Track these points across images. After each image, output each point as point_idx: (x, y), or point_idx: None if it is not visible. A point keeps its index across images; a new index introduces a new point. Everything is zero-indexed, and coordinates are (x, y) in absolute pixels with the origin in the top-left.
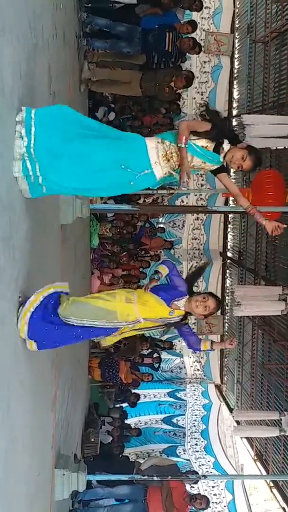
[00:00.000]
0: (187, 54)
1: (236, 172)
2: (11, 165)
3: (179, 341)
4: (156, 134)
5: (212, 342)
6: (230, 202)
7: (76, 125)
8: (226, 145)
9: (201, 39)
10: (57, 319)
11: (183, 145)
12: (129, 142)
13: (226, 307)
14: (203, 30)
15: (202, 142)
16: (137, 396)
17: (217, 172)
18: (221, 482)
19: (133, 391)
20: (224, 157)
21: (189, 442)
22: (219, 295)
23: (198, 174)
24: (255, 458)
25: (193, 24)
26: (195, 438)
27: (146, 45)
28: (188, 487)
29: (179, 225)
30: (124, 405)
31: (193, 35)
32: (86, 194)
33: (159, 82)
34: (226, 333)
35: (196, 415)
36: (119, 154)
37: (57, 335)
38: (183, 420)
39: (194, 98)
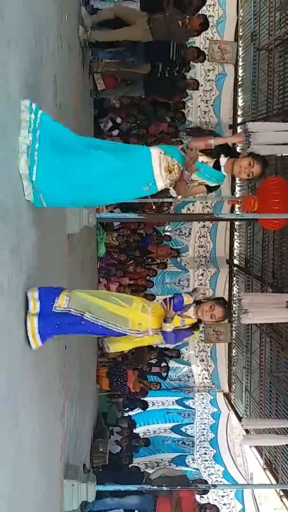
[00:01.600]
0: (191, 62)
1: (241, 180)
2: (18, 175)
3: (186, 349)
4: (159, 145)
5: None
6: (236, 209)
7: (78, 140)
8: (222, 159)
9: (205, 48)
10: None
11: (188, 174)
12: (133, 155)
13: (234, 315)
14: (207, 38)
15: (202, 158)
16: (146, 403)
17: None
18: (231, 491)
19: (141, 399)
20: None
21: (198, 451)
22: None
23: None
24: (265, 467)
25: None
26: (204, 447)
27: (150, 54)
28: (197, 497)
29: (185, 233)
30: (133, 413)
31: (197, 43)
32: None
33: (169, 18)
34: (233, 341)
35: (204, 423)
36: (123, 167)
37: (67, 325)
38: (191, 428)
39: (199, 106)
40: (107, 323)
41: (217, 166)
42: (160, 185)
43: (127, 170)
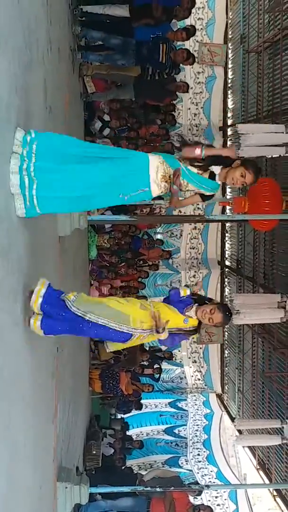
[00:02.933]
0: (181, 65)
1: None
2: (8, 179)
3: (179, 351)
4: (161, 153)
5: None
6: (227, 211)
7: (78, 144)
8: (216, 169)
9: (195, 50)
10: (70, 314)
11: (176, 188)
12: (132, 161)
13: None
14: (197, 41)
15: (194, 169)
16: (140, 403)
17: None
18: (224, 492)
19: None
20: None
21: (191, 452)
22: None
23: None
24: (258, 467)
25: (187, 31)
26: (197, 448)
27: (140, 57)
28: (191, 498)
29: (176, 235)
30: (126, 415)
31: (187, 46)
32: (79, 209)
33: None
34: (226, 341)
35: (197, 425)
36: (120, 169)
37: (71, 326)
38: (185, 430)
39: (189, 109)
40: (108, 322)
41: (212, 176)
42: (155, 192)
43: (124, 175)
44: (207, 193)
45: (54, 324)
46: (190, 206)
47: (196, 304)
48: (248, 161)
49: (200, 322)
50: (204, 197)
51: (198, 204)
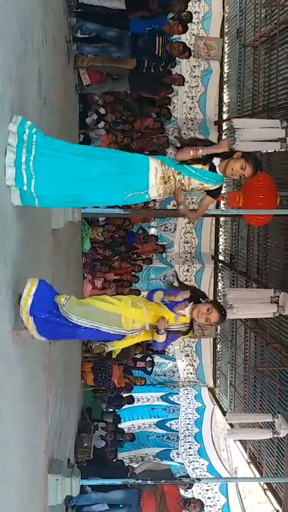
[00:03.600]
0: (177, 58)
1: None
2: (2, 172)
3: (171, 344)
4: (156, 156)
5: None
6: (221, 205)
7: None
8: (216, 161)
9: (191, 44)
10: (62, 319)
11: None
12: (132, 161)
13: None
14: (193, 34)
15: (196, 166)
16: (132, 398)
17: (209, 192)
18: (215, 485)
19: (126, 394)
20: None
21: (183, 445)
22: (211, 298)
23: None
24: (249, 460)
25: (183, 24)
26: (189, 442)
27: (136, 49)
28: (182, 491)
29: (170, 229)
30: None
31: (183, 39)
32: (77, 205)
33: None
34: (218, 336)
35: (189, 418)
36: (120, 168)
37: (64, 332)
38: (176, 424)
39: (185, 103)
40: (100, 325)
41: (213, 168)
42: (153, 195)
43: (125, 172)
44: (213, 187)
45: (47, 327)
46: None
47: (191, 303)
48: (249, 154)
49: (191, 320)
50: (211, 194)
51: (192, 198)
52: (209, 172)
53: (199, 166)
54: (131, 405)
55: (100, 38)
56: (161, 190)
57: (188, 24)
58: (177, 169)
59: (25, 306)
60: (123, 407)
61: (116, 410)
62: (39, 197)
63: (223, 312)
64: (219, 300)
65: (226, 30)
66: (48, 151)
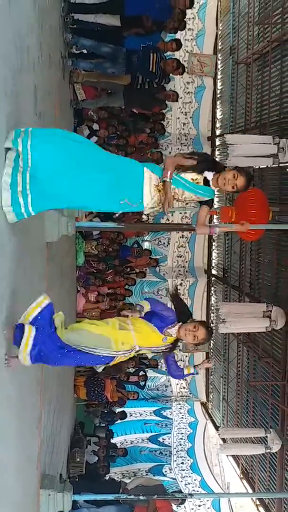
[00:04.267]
0: (171, 75)
1: (220, 191)
2: None
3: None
4: (145, 164)
5: (194, 366)
6: (215, 220)
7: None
8: (209, 175)
9: (185, 60)
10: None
11: (168, 179)
12: (128, 168)
13: (211, 324)
14: (187, 51)
15: (192, 175)
16: (124, 414)
17: (203, 202)
18: (208, 500)
19: (119, 409)
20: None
21: (175, 460)
22: (204, 312)
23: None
24: (241, 476)
25: (178, 42)
26: (181, 457)
27: (130, 65)
28: (174, 506)
29: (164, 243)
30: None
31: (177, 56)
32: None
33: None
34: (211, 350)
35: (182, 433)
36: (117, 180)
37: (61, 359)
38: (169, 438)
39: (178, 118)
40: (89, 349)
41: (206, 182)
42: (146, 203)
43: (120, 181)
44: (205, 199)
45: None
46: (178, 214)
47: (180, 323)
48: (241, 167)
49: (177, 339)
50: (206, 203)
51: (185, 213)
52: (201, 186)
53: (193, 176)
54: (124, 420)
55: (95, 54)
56: (155, 198)
57: (182, 42)
58: (174, 184)
59: (33, 311)
60: (116, 422)
61: (109, 425)
62: (34, 199)
63: (209, 328)
64: (212, 314)
65: (220, 47)
66: (43, 175)
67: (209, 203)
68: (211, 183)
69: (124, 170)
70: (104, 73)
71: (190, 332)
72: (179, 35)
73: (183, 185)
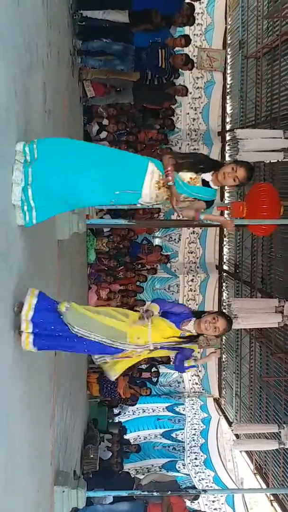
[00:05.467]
0: (180, 70)
1: (227, 189)
2: (7, 184)
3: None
4: (152, 159)
5: (195, 359)
6: (226, 215)
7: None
8: (207, 176)
9: (194, 55)
10: (64, 328)
11: (171, 183)
12: (131, 160)
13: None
14: (196, 46)
15: (190, 174)
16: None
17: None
18: (221, 496)
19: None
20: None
21: (189, 456)
22: (216, 308)
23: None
24: (255, 471)
25: (187, 37)
26: (195, 453)
27: (139, 62)
28: (188, 502)
29: (175, 239)
30: (124, 419)
31: (186, 51)
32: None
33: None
34: (223, 346)
35: (195, 429)
36: (116, 165)
37: (64, 343)
38: (182, 434)
39: (188, 114)
40: (102, 339)
41: (205, 184)
42: (144, 196)
43: (120, 170)
44: (207, 198)
45: (47, 341)
46: None
47: (194, 318)
48: (240, 160)
49: (198, 334)
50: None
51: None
52: (202, 189)
53: (192, 175)
54: (137, 416)
55: (104, 51)
56: (153, 195)
57: (191, 37)
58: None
59: (26, 315)
60: (129, 418)
61: (122, 420)
62: (38, 209)
63: (228, 318)
64: (224, 310)
65: (229, 42)
66: (45, 170)
67: (209, 203)
68: (211, 183)
69: (126, 161)
70: (113, 70)
71: (211, 324)
72: (187, 30)
73: (185, 191)
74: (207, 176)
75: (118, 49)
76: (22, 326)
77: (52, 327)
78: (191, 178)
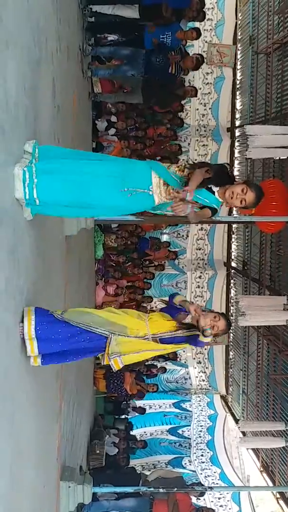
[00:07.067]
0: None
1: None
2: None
3: (184, 351)
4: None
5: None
6: (234, 212)
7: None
8: (215, 188)
9: (204, 51)
10: (69, 330)
11: (188, 198)
12: (133, 163)
13: (231, 317)
14: (206, 41)
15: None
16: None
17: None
18: (228, 493)
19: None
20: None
21: (195, 453)
22: (223, 305)
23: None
24: (261, 469)
25: (198, 30)
26: (201, 449)
27: (149, 66)
28: (194, 499)
29: (183, 235)
30: (130, 415)
31: (196, 47)
32: (81, 213)
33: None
34: (231, 343)
35: (201, 426)
36: (120, 168)
37: (64, 340)
38: (188, 431)
39: (197, 109)
40: (102, 331)
41: (210, 190)
42: (157, 194)
43: (126, 170)
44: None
45: (53, 358)
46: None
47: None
48: (251, 181)
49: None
50: (210, 209)
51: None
52: (208, 194)
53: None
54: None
55: (115, 41)
56: (163, 194)
57: (202, 31)
58: (172, 184)
59: (30, 337)
60: (135, 414)
61: (128, 416)
62: (42, 202)
63: (229, 321)
64: (231, 307)
65: (239, 37)
66: (48, 164)
67: (213, 211)
68: (216, 194)
69: (131, 165)
70: (123, 76)
71: (212, 322)
72: (197, 25)
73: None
74: (215, 188)
75: (127, 54)
76: (28, 350)
77: (60, 330)
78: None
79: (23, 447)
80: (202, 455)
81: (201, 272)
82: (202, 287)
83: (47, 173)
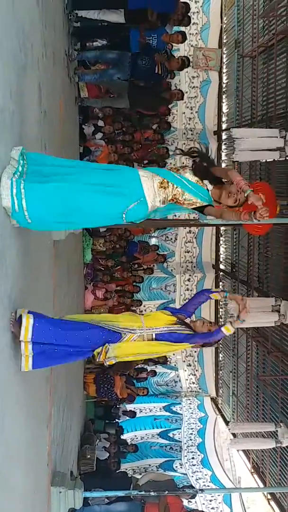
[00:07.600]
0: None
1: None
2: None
3: (173, 354)
4: (145, 167)
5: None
6: None
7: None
8: (209, 185)
9: (190, 55)
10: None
11: (248, 191)
12: (121, 171)
13: (220, 320)
14: (191, 45)
15: (196, 178)
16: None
17: (203, 209)
18: (219, 495)
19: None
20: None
21: (186, 456)
22: (212, 307)
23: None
24: (252, 470)
25: (183, 34)
26: (192, 452)
27: (135, 70)
28: (185, 502)
29: (171, 239)
30: (121, 420)
31: (182, 50)
32: (72, 227)
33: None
34: (220, 345)
35: (192, 428)
36: (111, 180)
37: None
38: (179, 434)
39: (184, 113)
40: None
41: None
42: (151, 200)
43: (115, 184)
44: (201, 204)
45: (46, 358)
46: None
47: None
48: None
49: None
50: (198, 210)
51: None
52: (202, 188)
53: (193, 179)
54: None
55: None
56: (162, 196)
57: (187, 35)
58: (174, 182)
59: (26, 340)
60: (126, 418)
61: (118, 420)
62: (32, 218)
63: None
64: (220, 309)
65: (225, 41)
66: (36, 175)
67: (202, 213)
68: (210, 192)
69: (118, 177)
70: (110, 80)
71: (207, 325)
72: (183, 29)
73: (186, 186)
74: (209, 186)
75: (113, 58)
76: (22, 349)
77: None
78: (197, 180)
79: (13, 452)
80: (193, 458)
81: (190, 275)
82: (191, 290)
83: (38, 197)
